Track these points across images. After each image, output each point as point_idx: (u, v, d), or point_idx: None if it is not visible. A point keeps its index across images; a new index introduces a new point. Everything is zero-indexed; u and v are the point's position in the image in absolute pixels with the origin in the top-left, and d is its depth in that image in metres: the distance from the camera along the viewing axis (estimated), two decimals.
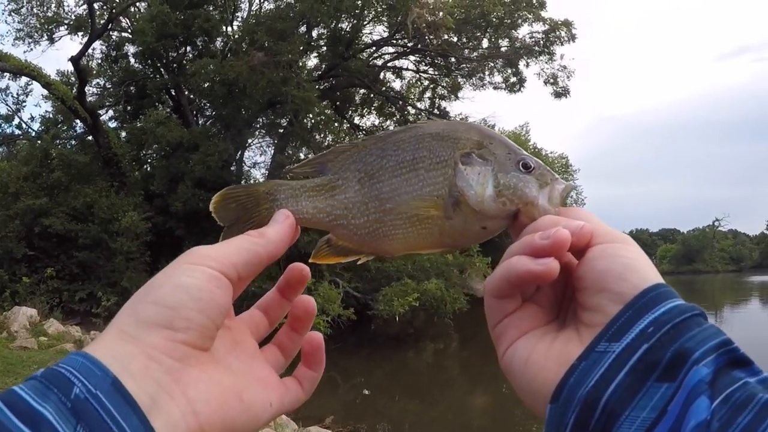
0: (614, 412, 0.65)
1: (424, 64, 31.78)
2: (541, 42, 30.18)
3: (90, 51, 27.07)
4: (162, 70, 29.12)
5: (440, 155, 0.92)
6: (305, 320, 0.96)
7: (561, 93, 31.18)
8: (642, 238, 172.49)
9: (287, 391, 0.88)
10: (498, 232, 0.93)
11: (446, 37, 28.81)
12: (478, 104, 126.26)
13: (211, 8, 28.04)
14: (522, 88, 31.16)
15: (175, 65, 28.64)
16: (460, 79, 31.39)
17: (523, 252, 0.79)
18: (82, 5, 27.01)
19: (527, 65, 30.79)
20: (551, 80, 30.83)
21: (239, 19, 30.43)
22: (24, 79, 29.21)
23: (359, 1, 26.89)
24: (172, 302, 0.72)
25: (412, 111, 32.40)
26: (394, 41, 30.45)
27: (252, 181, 30.61)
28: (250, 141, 30.13)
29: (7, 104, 30.96)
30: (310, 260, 1.01)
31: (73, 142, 28.77)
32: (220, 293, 0.76)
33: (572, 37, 29.80)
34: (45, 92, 27.42)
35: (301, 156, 29.02)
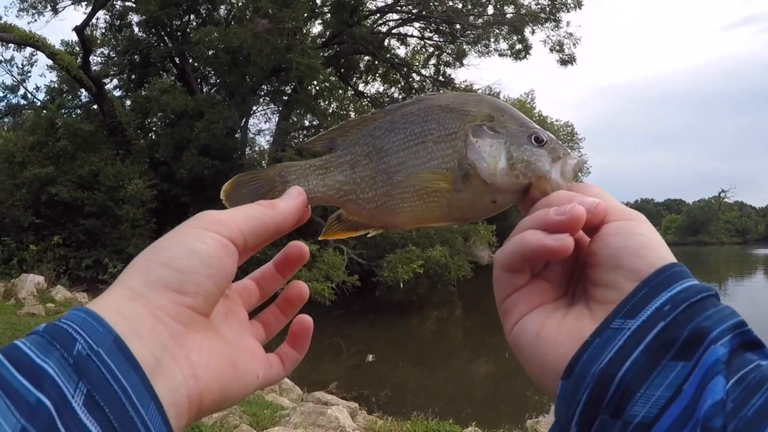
0: (629, 390, 0.64)
1: (428, 30, 31.57)
2: (547, 8, 29.94)
3: (94, 20, 26.91)
4: (166, 38, 28.98)
5: (450, 127, 0.91)
6: (296, 304, 0.97)
7: (567, 60, 30.99)
8: (647, 207, 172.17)
9: (271, 366, 0.88)
10: (507, 206, 0.92)
11: (451, 3, 28.68)
12: (483, 71, 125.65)
13: None
14: (527, 56, 30.95)
15: (178, 33, 28.51)
16: (465, 46, 31.17)
17: (537, 226, 0.78)
18: None
19: (533, 32, 30.59)
20: (557, 47, 30.64)
21: None
22: (28, 50, 29.16)
23: None
24: (184, 266, 0.71)
25: (417, 78, 32.27)
26: (399, 8, 30.30)
27: (257, 149, 30.66)
28: (254, 108, 30.12)
29: (12, 75, 30.99)
30: (320, 237, 1.02)
31: (79, 111, 28.74)
32: (229, 261, 0.76)
33: (578, 4, 29.53)
34: (50, 62, 27.42)
35: (306, 123, 29.03)
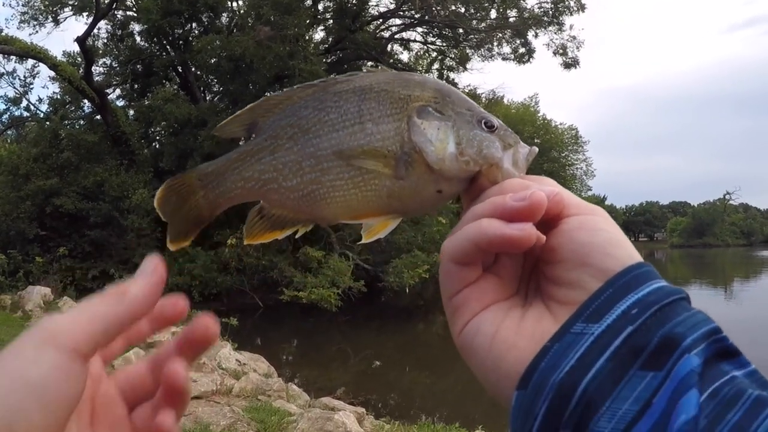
0: (593, 402, 0.57)
1: (431, 35, 31.70)
2: (550, 12, 29.99)
3: (95, 31, 27.07)
4: (168, 47, 29.09)
5: (391, 107, 0.81)
6: (201, 348, 0.71)
7: (570, 64, 31.01)
8: (652, 210, 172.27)
9: None
10: (453, 197, 0.83)
11: (453, 7, 28.66)
12: (487, 75, 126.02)
13: None
14: (531, 59, 31.02)
15: (181, 42, 28.61)
16: (468, 51, 31.26)
17: (494, 214, 0.70)
18: None
19: (536, 36, 30.65)
20: (560, 51, 30.67)
21: None
22: (30, 62, 29.35)
23: None
24: (12, 403, 0.55)
25: None
26: (401, 13, 30.32)
27: None
28: None
29: (14, 87, 31.25)
30: (245, 241, 0.93)
31: (82, 122, 28.89)
32: (69, 384, 0.59)
33: (581, 7, 29.57)
34: (52, 74, 27.66)
35: None
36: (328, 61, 28.37)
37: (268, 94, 0.92)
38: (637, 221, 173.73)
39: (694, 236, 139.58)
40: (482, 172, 0.78)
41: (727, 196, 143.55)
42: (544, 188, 0.70)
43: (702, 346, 0.57)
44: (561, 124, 66.53)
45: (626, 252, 0.66)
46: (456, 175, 0.79)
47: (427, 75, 0.88)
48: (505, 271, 0.75)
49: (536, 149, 0.82)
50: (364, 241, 0.84)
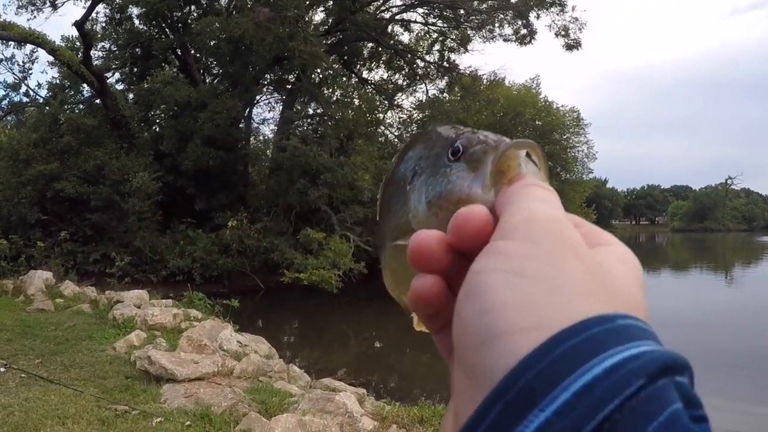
0: None
1: (432, 16, 31.47)
2: None
3: (94, 15, 26.91)
4: (167, 30, 28.99)
5: (400, 178, 0.72)
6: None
7: (572, 45, 30.82)
8: (653, 194, 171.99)
9: None
10: None
11: None
12: (488, 57, 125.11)
13: None
14: (533, 41, 30.85)
15: (179, 25, 28.52)
16: (469, 32, 31.06)
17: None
18: None
19: (538, 17, 30.43)
20: (562, 32, 30.44)
21: None
22: (29, 47, 29.17)
23: None
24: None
25: (421, 64, 32.21)
26: None
27: (261, 138, 30.74)
28: (258, 98, 30.20)
29: (13, 73, 31.02)
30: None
31: (81, 107, 28.76)
32: None
33: None
34: (51, 58, 27.57)
35: (310, 111, 29.01)
36: (328, 42, 28.22)
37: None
38: (638, 205, 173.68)
39: (695, 220, 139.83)
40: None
41: (729, 181, 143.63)
42: (458, 215, 0.54)
43: None
44: (562, 106, 66.34)
45: (512, 342, 0.42)
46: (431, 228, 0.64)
47: (431, 126, 0.74)
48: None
49: (522, 142, 0.62)
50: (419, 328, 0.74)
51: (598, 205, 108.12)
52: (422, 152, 0.70)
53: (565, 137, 64.57)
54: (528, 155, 0.61)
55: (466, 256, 0.52)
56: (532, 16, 30.21)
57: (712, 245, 78.96)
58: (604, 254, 0.50)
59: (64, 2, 27.92)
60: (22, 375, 7.76)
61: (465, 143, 0.64)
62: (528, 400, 0.37)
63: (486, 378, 0.42)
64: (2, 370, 7.88)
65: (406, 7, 31.07)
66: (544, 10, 29.97)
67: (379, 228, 0.75)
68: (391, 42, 31.25)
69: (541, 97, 63.41)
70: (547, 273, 0.45)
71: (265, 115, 54.23)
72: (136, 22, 29.66)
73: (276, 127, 29.29)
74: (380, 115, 31.87)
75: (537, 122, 61.31)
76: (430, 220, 0.62)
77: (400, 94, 33.66)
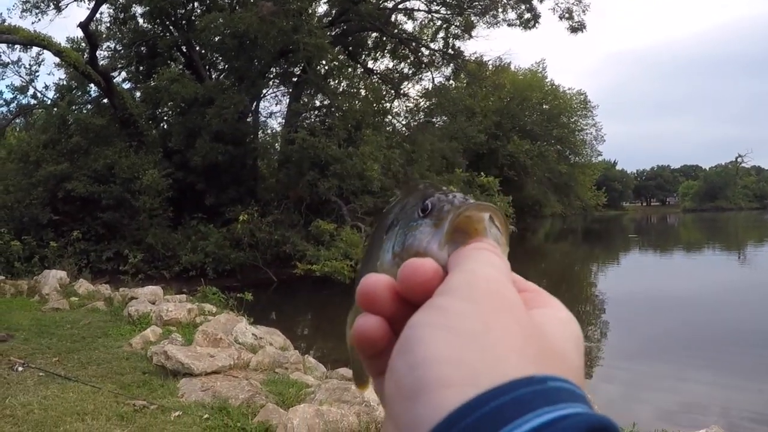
0: None
1: (435, 3, 31.35)
2: None
3: (98, 15, 27.02)
4: (171, 27, 29.05)
5: (379, 236, 0.73)
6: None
7: (577, 28, 30.71)
8: (663, 174, 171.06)
9: None
10: None
11: None
12: (493, 42, 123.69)
13: None
14: (537, 24, 30.73)
15: (183, 22, 28.58)
16: (473, 18, 30.93)
17: None
18: None
19: (541, 0, 30.28)
20: (566, 15, 30.34)
21: None
22: (35, 50, 29.16)
23: None
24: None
25: (426, 52, 32.10)
26: None
27: (269, 131, 30.72)
28: (264, 91, 30.12)
29: (20, 76, 31.02)
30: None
31: (89, 107, 28.82)
32: None
33: None
34: (57, 60, 27.61)
35: (317, 103, 28.97)
36: (333, 33, 28.18)
37: None
38: (649, 186, 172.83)
39: (707, 200, 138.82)
40: None
41: (739, 159, 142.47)
42: (404, 267, 0.56)
43: None
44: (569, 89, 66.38)
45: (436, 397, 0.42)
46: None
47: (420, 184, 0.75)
48: None
49: (482, 205, 0.64)
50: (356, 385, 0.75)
51: (608, 187, 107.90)
52: (404, 205, 0.72)
53: (572, 120, 64.63)
54: (491, 219, 0.64)
55: (414, 306, 0.53)
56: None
57: (724, 224, 78.36)
58: (543, 316, 0.52)
59: (68, 4, 27.97)
60: (40, 373, 7.83)
61: (434, 202, 0.66)
62: None
63: (417, 428, 0.41)
64: (20, 369, 7.96)
65: None
66: None
67: (359, 272, 0.74)
68: (395, 31, 31.15)
69: (547, 80, 63.56)
70: (480, 331, 0.45)
71: (272, 108, 54.05)
72: (140, 20, 29.72)
73: (283, 120, 29.28)
74: (387, 104, 31.75)
75: (544, 106, 61.35)
76: (393, 269, 0.63)
77: (406, 83, 33.68)
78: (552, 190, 60.34)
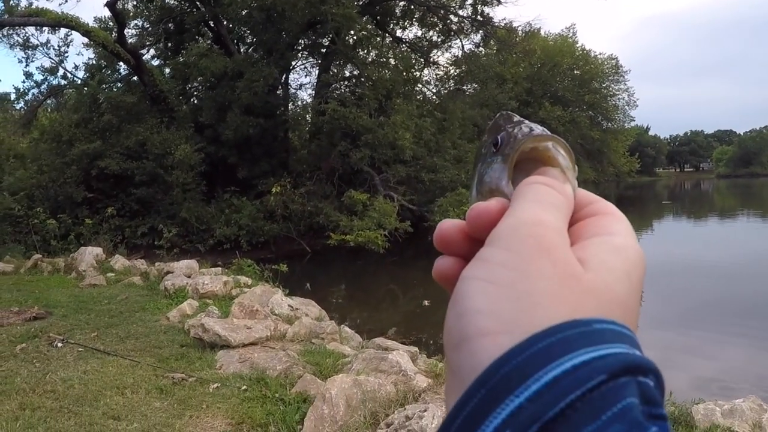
0: None
1: None
2: None
3: None
4: (198, 3, 28.93)
5: (476, 159, 0.74)
6: None
7: None
8: (697, 140, 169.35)
9: None
10: None
11: None
12: (522, 8, 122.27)
13: None
14: None
15: None
16: None
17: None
18: None
19: None
20: None
21: None
22: (63, 31, 29.26)
23: None
24: None
25: (455, 19, 31.73)
26: None
27: (300, 103, 30.71)
28: (293, 63, 29.99)
29: (50, 57, 31.18)
30: None
31: (119, 85, 28.96)
32: None
33: None
34: (85, 40, 27.78)
35: (346, 73, 28.87)
36: (360, 3, 27.97)
37: None
38: (682, 151, 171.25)
39: (741, 165, 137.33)
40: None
41: None
42: (477, 207, 0.59)
43: None
44: (600, 54, 65.60)
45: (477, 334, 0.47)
46: None
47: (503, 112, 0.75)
48: None
49: (532, 131, 0.66)
50: None
51: (641, 153, 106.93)
52: (486, 138, 0.72)
53: (604, 86, 63.84)
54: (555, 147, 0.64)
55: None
56: None
57: (759, 190, 77.26)
58: (594, 247, 0.54)
59: None
60: (80, 349, 7.89)
61: (503, 137, 0.68)
62: (506, 388, 0.42)
63: (461, 373, 0.46)
64: (60, 345, 8.02)
65: None
66: None
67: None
68: None
69: (578, 46, 62.72)
70: (516, 279, 0.49)
71: (302, 80, 54.16)
72: None
73: (313, 92, 29.23)
74: (417, 73, 31.54)
75: (575, 72, 60.68)
76: (479, 204, 0.63)
77: (435, 51, 33.41)
78: (585, 156, 59.81)
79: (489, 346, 0.45)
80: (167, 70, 29.78)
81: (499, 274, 0.49)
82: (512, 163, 0.64)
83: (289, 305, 10.31)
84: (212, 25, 29.55)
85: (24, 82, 32.52)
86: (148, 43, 30.27)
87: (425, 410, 5.13)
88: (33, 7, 26.07)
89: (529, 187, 0.58)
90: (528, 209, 0.54)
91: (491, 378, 0.43)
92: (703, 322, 13.53)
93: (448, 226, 0.60)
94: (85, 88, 27.90)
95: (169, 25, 29.37)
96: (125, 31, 25.68)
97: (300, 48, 29.51)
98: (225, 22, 29.10)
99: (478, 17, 31.36)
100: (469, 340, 0.47)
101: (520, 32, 32.35)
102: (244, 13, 26.84)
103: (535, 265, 0.49)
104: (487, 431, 0.41)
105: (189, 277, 12.80)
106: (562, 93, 57.48)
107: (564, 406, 0.40)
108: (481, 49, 33.61)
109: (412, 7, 31.28)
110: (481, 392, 0.43)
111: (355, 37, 27.64)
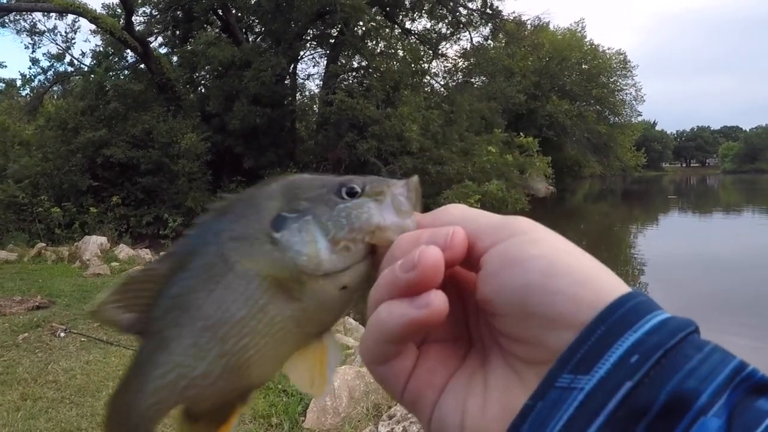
0: None
1: None
2: None
3: None
4: None
5: (248, 235, 0.66)
6: None
7: None
8: (703, 135, 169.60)
9: None
10: (363, 280, 0.66)
11: None
12: (531, 1, 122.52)
13: None
14: None
15: None
16: None
17: (390, 295, 0.55)
18: None
19: None
20: None
21: None
22: (70, 17, 29.19)
23: None
24: None
25: (464, 12, 31.66)
26: None
27: (307, 93, 30.61)
28: (302, 53, 29.94)
29: (56, 43, 31.09)
30: None
31: (126, 72, 28.86)
32: None
33: None
34: (93, 27, 27.59)
35: (354, 64, 28.80)
36: None
37: (130, 272, 0.75)
38: (688, 147, 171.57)
39: (747, 162, 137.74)
40: (373, 242, 0.64)
41: None
42: (438, 234, 0.56)
43: (723, 399, 0.43)
44: (608, 49, 65.61)
45: (578, 278, 0.49)
46: (345, 264, 0.64)
47: (273, 182, 0.70)
48: (444, 331, 0.61)
49: (414, 178, 0.67)
50: (318, 397, 0.66)
51: (648, 147, 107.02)
52: (243, 219, 0.67)
53: (612, 80, 63.87)
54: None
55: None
56: None
57: (764, 186, 77.16)
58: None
59: None
60: (82, 339, 7.83)
61: (360, 183, 0.66)
62: (625, 324, 0.46)
63: (570, 318, 0.48)
64: (62, 335, 7.97)
65: None
66: None
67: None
68: None
69: (586, 40, 62.76)
70: (554, 242, 0.53)
71: (310, 70, 54.09)
72: None
73: (321, 82, 29.19)
74: (425, 65, 31.58)
75: (583, 66, 60.73)
76: (333, 257, 0.63)
77: (444, 43, 33.35)
78: (591, 150, 59.89)
79: (588, 294, 0.49)
80: (175, 59, 29.70)
81: (546, 237, 0.53)
82: (414, 196, 0.65)
83: None
84: (221, 14, 29.47)
85: (30, 68, 32.49)
86: (156, 30, 30.16)
87: None
88: None
89: (451, 208, 0.60)
90: (482, 213, 0.58)
91: (609, 317, 0.47)
92: (708, 317, 13.40)
93: (436, 252, 0.53)
94: (92, 76, 27.80)
95: (178, 12, 29.25)
96: (133, 18, 25.57)
97: (308, 38, 29.48)
98: (234, 11, 29.04)
99: (488, 10, 31.30)
100: (559, 285, 0.49)
101: (528, 26, 32.35)
102: (253, 2, 26.84)
103: (553, 235, 0.54)
104: (619, 352, 0.45)
105: None
106: (569, 87, 57.59)
107: (678, 339, 0.45)
108: (489, 41, 33.59)
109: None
110: (601, 328, 0.46)
111: (363, 28, 27.60)
